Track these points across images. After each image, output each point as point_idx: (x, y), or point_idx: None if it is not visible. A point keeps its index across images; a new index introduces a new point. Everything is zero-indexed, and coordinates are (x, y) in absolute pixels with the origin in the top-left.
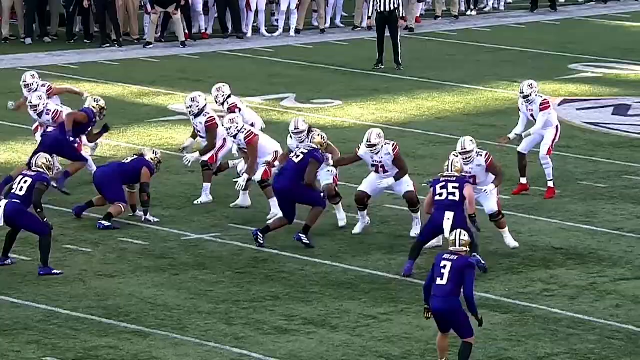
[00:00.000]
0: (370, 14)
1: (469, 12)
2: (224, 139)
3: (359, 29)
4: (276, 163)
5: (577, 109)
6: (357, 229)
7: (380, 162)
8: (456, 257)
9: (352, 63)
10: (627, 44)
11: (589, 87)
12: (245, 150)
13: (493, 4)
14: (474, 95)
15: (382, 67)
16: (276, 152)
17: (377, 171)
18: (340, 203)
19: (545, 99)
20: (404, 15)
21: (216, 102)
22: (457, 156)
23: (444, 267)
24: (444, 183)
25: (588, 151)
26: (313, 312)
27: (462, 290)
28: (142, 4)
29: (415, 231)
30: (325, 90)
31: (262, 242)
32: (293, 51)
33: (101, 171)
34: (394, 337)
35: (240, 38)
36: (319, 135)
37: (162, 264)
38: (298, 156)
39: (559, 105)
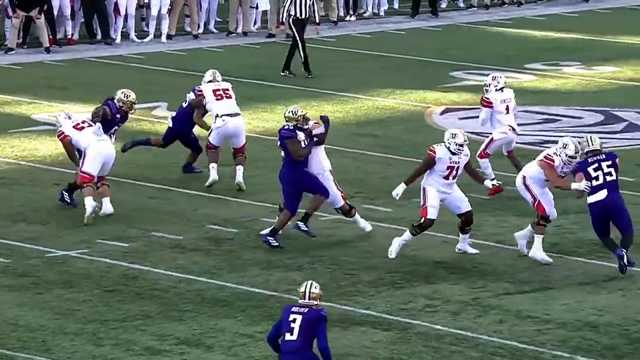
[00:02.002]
0: (283, 19)
1: (348, 18)
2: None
3: (234, 34)
4: None
5: (459, 119)
6: (465, 248)
7: (458, 163)
8: (306, 309)
9: (227, 70)
10: (510, 51)
11: (472, 96)
12: None
13: (373, 9)
14: (354, 104)
15: (311, 76)
16: None
17: (447, 177)
18: (356, 214)
19: (486, 96)
20: (317, 21)
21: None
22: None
23: (294, 320)
24: (596, 164)
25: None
26: (187, 331)
27: (315, 343)
28: (3, 7)
29: (462, 246)
30: None
31: (276, 244)
32: (165, 58)
33: None
34: (270, 357)
35: (108, 44)
36: (288, 111)
37: (25, 283)
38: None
39: (441, 114)
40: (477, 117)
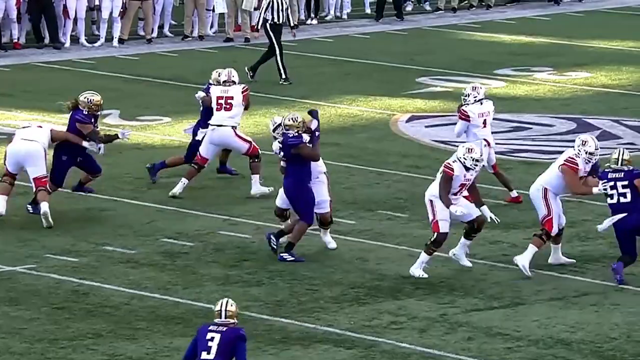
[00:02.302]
0: (259, 26)
1: (309, 21)
2: None
3: (190, 38)
4: None
5: (425, 126)
6: (461, 257)
7: (470, 181)
8: (225, 328)
9: (183, 76)
10: (478, 56)
11: (438, 103)
12: None
13: (335, 12)
14: None
15: (289, 83)
16: None
17: (457, 193)
18: (329, 229)
19: (463, 108)
20: (294, 24)
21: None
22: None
23: (212, 339)
24: (612, 182)
25: (437, 172)
26: (140, 350)
27: None
28: None
29: (459, 253)
30: (153, 105)
31: (275, 246)
32: (116, 63)
33: None
34: None
35: (57, 48)
36: (287, 119)
37: None
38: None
39: (407, 122)
40: (445, 124)
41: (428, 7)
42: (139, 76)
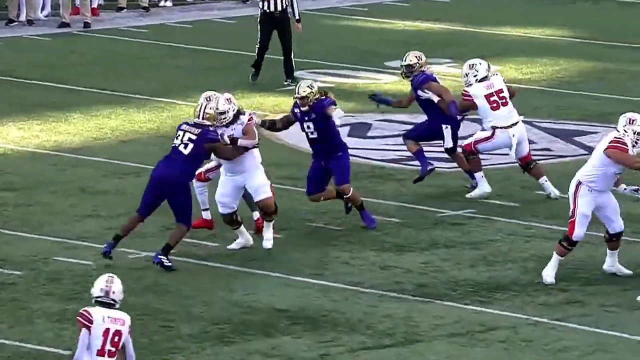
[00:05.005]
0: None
1: (162, 3)
2: None
3: (16, 23)
4: None
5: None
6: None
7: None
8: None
9: (8, 70)
10: (365, 45)
11: None
12: None
13: None
14: (171, 111)
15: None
16: None
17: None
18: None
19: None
20: (298, 17)
21: None
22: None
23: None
24: None
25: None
26: None
27: None
28: None
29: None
30: None
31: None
32: None
33: None
34: None
35: None
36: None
37: None
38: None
39: None
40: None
41: None
42: None
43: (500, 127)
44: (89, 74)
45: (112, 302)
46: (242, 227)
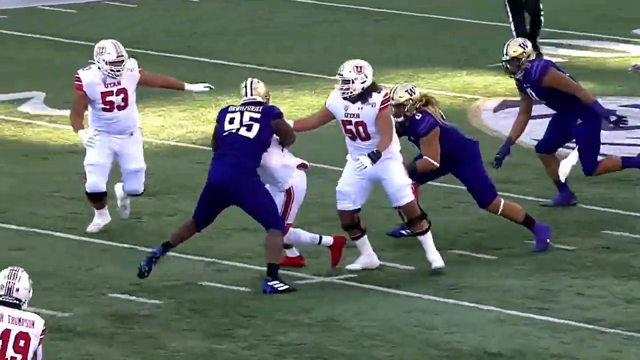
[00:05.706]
0: None
1: None
2: None
3: None
4: None
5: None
6: None
7: None
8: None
9: (145, 42)
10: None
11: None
12: None
13: None
14: None
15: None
16: None
17: None
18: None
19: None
20: None
21: None
22: None
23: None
24: None
25: None
26: None
27: None
28: None
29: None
30: None
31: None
32: None
33: None
34: None
35: None
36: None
37: None
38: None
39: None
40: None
41: None
42: None
43: None
44: (241, 45)
45: (15, 301)
46: (366, 239)
